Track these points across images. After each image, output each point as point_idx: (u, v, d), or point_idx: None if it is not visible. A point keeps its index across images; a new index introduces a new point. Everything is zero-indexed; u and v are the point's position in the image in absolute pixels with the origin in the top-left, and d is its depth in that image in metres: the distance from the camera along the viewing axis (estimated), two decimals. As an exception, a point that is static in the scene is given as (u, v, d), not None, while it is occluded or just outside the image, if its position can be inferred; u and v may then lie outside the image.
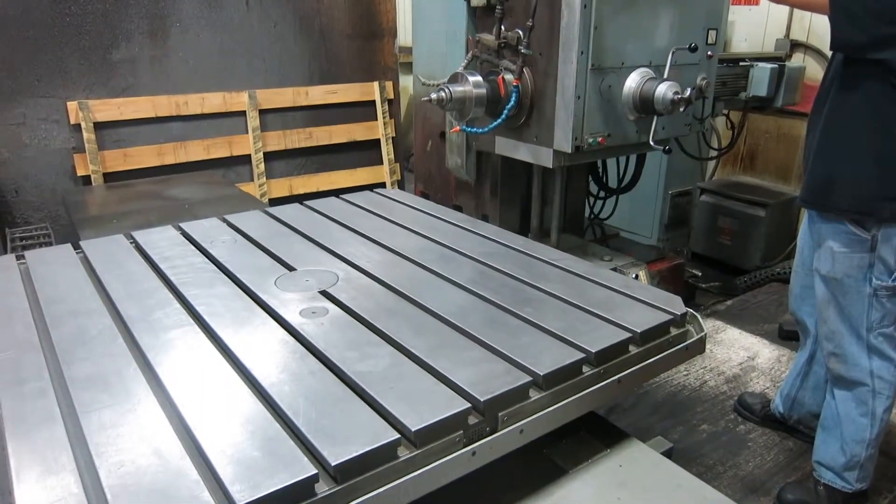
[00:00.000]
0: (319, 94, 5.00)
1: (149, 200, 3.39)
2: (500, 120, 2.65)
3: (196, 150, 4.61)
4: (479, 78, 2.68)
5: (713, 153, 4.23)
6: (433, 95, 2.63)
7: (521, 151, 2.82)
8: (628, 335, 1.50)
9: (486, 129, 2.71)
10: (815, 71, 4.30)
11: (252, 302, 1.62)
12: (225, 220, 2.26)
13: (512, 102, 2.62)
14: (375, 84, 5.17)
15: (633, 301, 1.67)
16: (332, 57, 5.03)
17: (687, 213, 4.78)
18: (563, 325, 1.52)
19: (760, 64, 3.73)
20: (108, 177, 4.28)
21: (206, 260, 1.90)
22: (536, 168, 3.25)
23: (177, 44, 4.43)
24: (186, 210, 3.15)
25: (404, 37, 5.95)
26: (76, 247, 2.03)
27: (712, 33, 2.81)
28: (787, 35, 4.57)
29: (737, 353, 3.40)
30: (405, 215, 2.31)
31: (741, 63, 3.74)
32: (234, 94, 4.66)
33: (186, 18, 4.42)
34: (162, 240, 2.07)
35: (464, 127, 2.75)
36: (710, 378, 3.18)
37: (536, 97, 2.66)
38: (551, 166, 2.72)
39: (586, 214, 3.65)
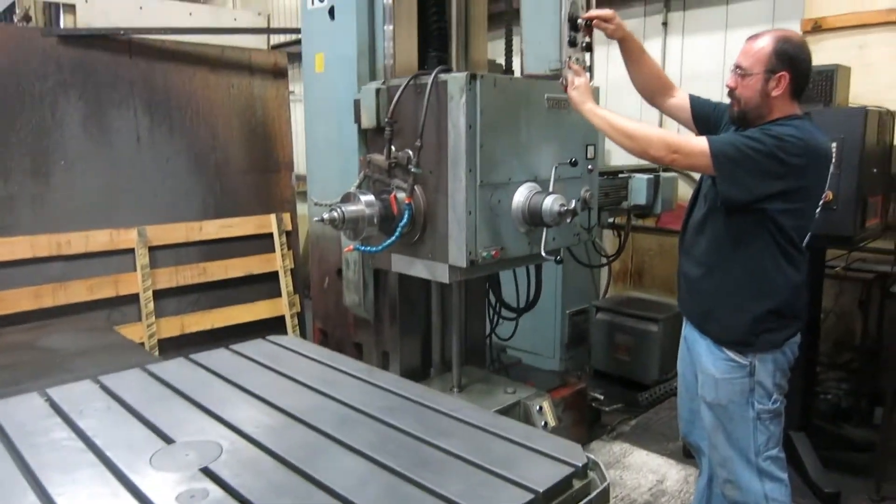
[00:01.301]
0: (214, 229, 4.89)
1: (18, 353, 3.11)
2: (393, 238, 2.67)
3: (78, 291, 4.34)
4: (372, 197, 2.71)
5: (604, 261, 4.41)
6: (325, 216, 2.62)
7: (417, 268, 2.83)
8: (531, 496, 1.44)
9: (380, 248, 2.71)
10: (686, 191, 4.63)
11: (121, 487, 1.45)
12: (99, 383, 2.07)
13: (405, 220, 2.65)
14: (273, 216, 5.13)
15: (534, 454, 1.62)
16: (227, 191, 4.98)
17: (585, 331, 4.91)
18: (463, 489, 1.44)
19: (637, 175, 3.97)
20: (-25, 325, 3.93)
21: (74, 435, 1.71)
22: (435, 294, 3.26)
23: (61, 181, 4.26)
24: (60, 364, 2.90)
25: (301, 167, 6.01)
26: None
27: (591, 149, 2.99)
28: (661, 160, 4.95)
29: (645, 476, 3.39)
30: (299, 367, 2.20)
31: (620, 175, 3.98)
32: (121, 231, 4.48)
33: (72, 155, 4.29)
34: (23, 411, 1.86)
35: (357, 246, 2.74)
36: (623, 507, 3.14)
37: (429, 214, 2.71)
38: (447, 281, 2.73)
39: (487, 333, 3.66)
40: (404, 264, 2.88)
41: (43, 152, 4.14)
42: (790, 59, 2.16)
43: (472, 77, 2.48)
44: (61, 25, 4.36)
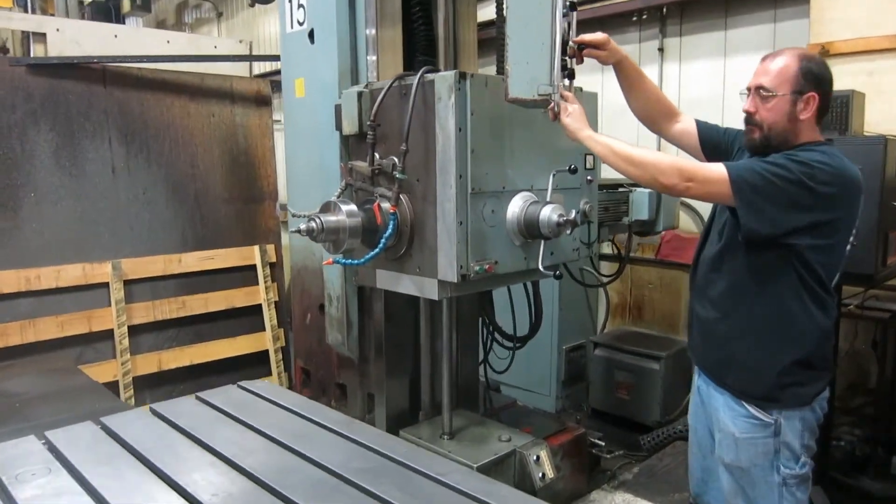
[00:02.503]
0: (194, 261, 4.69)
1: (-28, 399, 2.88)
2: (377, 250, 2.43)
3: (48, 328, 4.12)
4: (354, 207, 2.48)
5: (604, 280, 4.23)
6: (302, 226, 2.38)
7: (404, 283, 2.60)
8: (533, 581, 1.23)
9: (362, 261, 2.47)
10: (687, 223, 4.48)
11: (48, 578, 1.23)
12: (45, 439, 1.85)
13: (389, 231, 2.42)
14: (256, 248, 4.94)
15: (534, 527, 1.41)
16: (208, 222, 4.79)
17: (583, 367, 4.69)
18: (453, 574, 1.23)
19: (639, 189, 3.74)
20: (-65, 367, 3.70)
21: (4, 507, 1.49)
22: (425, 329, 3.05)
23: (30, 215, 4.07)
24: (16, 411, 2.67)
25: (286, 196, 5.83)
26: None
27: (590, 158, 2.78)
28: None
29: (652, 530, 3.15)
30: (271, 419, 1.99)
31: (620, 189, 3.78)
32: (95, 265, 4.28)
33: (43, 188, 4.11)
34: (-48, 476, 1.64)
35: (338, 259, 2.51)
36: (629, 564, 2.89)
37: (416, 224, 2.48)
38: (437, 298, 2.50)
39: (480, 365, 3.45)
40: (390, 280, 2.66)
41: (11, 185, 3.96)
42: (817, 79, 1.98)
43: (462, 76, 2.28)
44: (31, 54, 4.20)
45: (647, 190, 3.70)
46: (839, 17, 3.44)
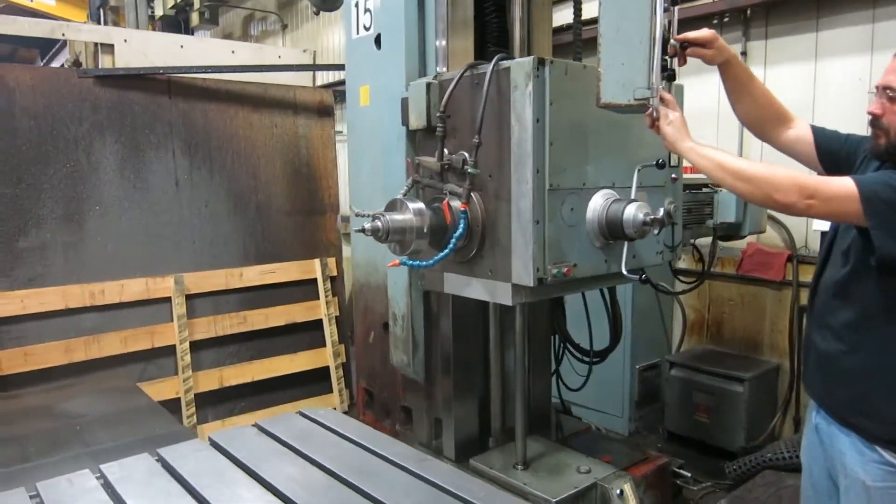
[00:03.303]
0: (255, 275, 4.63)
1: (33, 420, 2.84)
2: (446, 251, 2.26)
3: (112, 344, 4.11)
4: (421, 205, 2.31)
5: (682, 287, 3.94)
6: (366, 225, 2.22)
7: (475, 288, 2.42)
8: None
9: (431, 262, 2.29)
10: (772, 237, 4.16)
11: None
12: (99, 473, 1.75)
13: (460, 230, 2.25)
14: (317, 261, 4.85)
15: None
16: (269, 235, 4.73)
17: (657, 388, 4.42)
18: None
19: (725, 189, 3.46)
20: (3, 381, 3.72)
21: (51, 553, 1.37)
22: (494, 351, 2.86)
23: (95, 228, 4.07)
24: (76, 435, 2.61)
25: (347, 208, 5.75)
26: None
27: (675, 155, 2.55)
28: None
29: (743, 571, 2.87)
30: (335, 452, 1.84)
31: (704, 189, 3.52)
32: (158, 279, 4.25)
33: (108, 201, 4.10)
34: (3, 512, 1.55)
35: (404, 260, 2.34)
36: None
37: (488, 224, 2.31)
38: (511, 303, 2.33)
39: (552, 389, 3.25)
40: (459, 284, 2.49)
41: (77, 198, 3.96)
42: None
43: (541, 62, 2.11)
44: (99, 66, 4.22)
45: None
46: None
